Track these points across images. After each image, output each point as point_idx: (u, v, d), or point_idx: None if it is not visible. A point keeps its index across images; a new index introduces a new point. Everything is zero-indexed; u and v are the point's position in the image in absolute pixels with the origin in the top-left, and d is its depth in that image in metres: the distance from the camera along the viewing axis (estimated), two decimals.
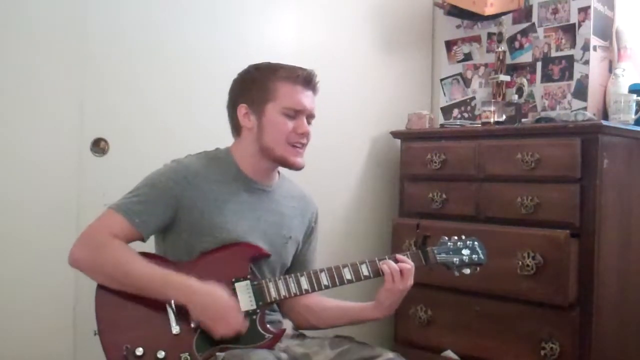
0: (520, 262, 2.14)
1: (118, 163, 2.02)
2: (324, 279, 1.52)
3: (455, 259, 1.64)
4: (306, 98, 1.55)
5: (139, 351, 1.36)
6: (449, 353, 2.36)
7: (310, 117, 1.58)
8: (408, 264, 1.56)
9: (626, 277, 2.25)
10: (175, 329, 1.40)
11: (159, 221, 1.49)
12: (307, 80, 1.55)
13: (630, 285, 2.27)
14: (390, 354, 1.46)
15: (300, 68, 1.56)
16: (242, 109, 1.57)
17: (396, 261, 1.56)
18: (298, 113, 1.54)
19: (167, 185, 1.49)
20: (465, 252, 1.66)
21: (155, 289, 1.40)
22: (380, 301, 1.57)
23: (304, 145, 1.57)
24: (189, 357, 1.39)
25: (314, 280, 1.52)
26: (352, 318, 1.65)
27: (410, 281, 1.55)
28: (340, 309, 1.65)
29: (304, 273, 1.53)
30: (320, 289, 1.53)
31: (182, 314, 1.41)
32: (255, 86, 1.56)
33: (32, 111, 1.91)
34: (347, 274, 1.54)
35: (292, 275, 1.52)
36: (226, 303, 1.41)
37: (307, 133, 1.55)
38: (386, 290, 1.54)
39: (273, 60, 1.62)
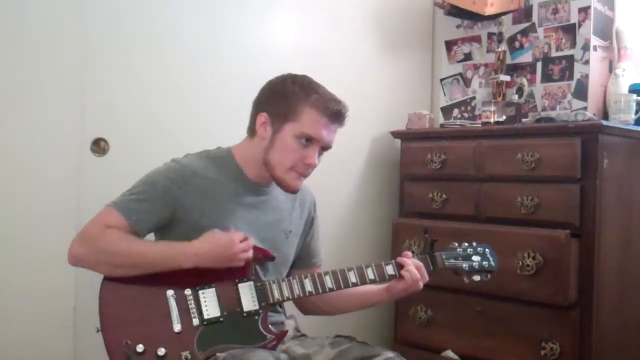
0: (520, 262, 2.14)
1: (118, 163, 2.02)
2: (329, 282, 1.53)
3: (464, 265, 1.64)
4: (327, 131, 1.52)
5: (140, 348, 1.37)
6: (449, 353, 2.36)
7: (325, 148, 1.55)
8: (417, 262, 1.58)
9: (626, 277, 2.25)
10: (177, 326, 1.41)
11: (155, 220, 1.49)
12: (335, 115, 1.51)
13: (630, 285, 2.27)
14: (390, 354, 1.46)
15: (334, 100, 1.52)
16: (261, 117, 1.54)
17: (401, 267, 1.57)
18: (312, 142, 1.51)
19: (165, 185, 1.49)
20: (476, 258, 1.65)
21: (159, 262, 1.42)
22: (393, 294, 1.61)
23: (306, 175, 1.55)
24: (189, 356, 1.39)
25: (318, 283, 1.52)
26: (360, 304, 1.68)
27: (425, 275, 1.59)
28: (349, 296, 1.65)
29: (308, 275, 1.53)
30: (324, 291, 1.53)
31: (185, 312, 1.42)
32: (283, 100, 1.52)
33: (32, 111, 1.91)
34: (352, 277, 1.54)
35: (297, 277, 1.53)
36: (224, 243, 1.43)
37: (313, 165, 1.53)
38: (405, 290, 1.58)
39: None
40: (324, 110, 1.50)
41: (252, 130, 1.59)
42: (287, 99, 1.52)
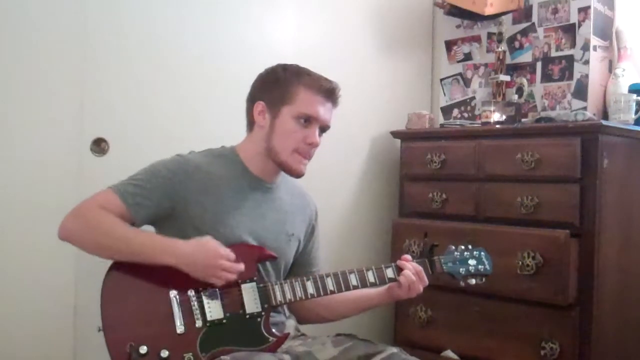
0: (520, 262, 2.14)
1: (118, 163, 2.01)
2: (330, 284, 1.53)
3: (461, 269, 1.65)
4: (323, 108, 1.55)
5: (143, 349, 1.36)
6: (449, 353, 2.36)
7: (324, 128, 1.57)
8: (417, 266, 1.58)
9: (626, 277, 2.25)
10: (180, 328, 1.40)
11: (153, 208, 1.49)
12: (329, 92, 1.55)
13: (630, 285, 2.27)
14: (394, 349, 1.47)
15: (326, 79, 1.56)
16: (258, 106, 1.57)
17: (401, 270, 1.57)
18: (311, 121, 1.53)
19: (166, 176, 1.50)
20: (472, 262, 1.66)
21: (144, 252, 1.41)
22: (394, 297, 1.61)
23: (310, 156, 1.57)
24: (192, 358, 1.39)
25: (319, 285, 1.52)
26: (361, 308, 1.67)
27: (425, 279, 1.59)
28: (350, 300, 1.65)
29: (310, 277, 1.53)
30: (325, 294, 1.53)
31: (187, 313, 1.41)
32: (276, 86, 1.56)
33: (32, 111, 1.91)
34: (354, 280, 1.55)
35: (299, 279, 1.53)
36: (210, 252, 1.41)
37: (316, 144, 1.55)
38: (402, 294, 1.58)
39: (275, 60, 1.62)
40: (317, 89, 1.54)
41: (250, 124, 1.61)
42: (280, 84, 1.55)
